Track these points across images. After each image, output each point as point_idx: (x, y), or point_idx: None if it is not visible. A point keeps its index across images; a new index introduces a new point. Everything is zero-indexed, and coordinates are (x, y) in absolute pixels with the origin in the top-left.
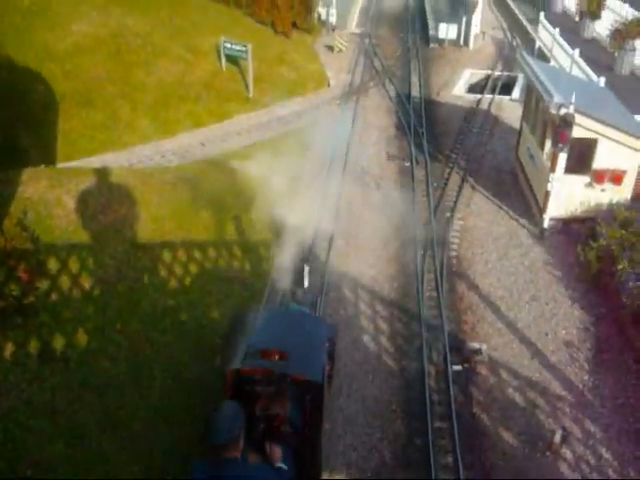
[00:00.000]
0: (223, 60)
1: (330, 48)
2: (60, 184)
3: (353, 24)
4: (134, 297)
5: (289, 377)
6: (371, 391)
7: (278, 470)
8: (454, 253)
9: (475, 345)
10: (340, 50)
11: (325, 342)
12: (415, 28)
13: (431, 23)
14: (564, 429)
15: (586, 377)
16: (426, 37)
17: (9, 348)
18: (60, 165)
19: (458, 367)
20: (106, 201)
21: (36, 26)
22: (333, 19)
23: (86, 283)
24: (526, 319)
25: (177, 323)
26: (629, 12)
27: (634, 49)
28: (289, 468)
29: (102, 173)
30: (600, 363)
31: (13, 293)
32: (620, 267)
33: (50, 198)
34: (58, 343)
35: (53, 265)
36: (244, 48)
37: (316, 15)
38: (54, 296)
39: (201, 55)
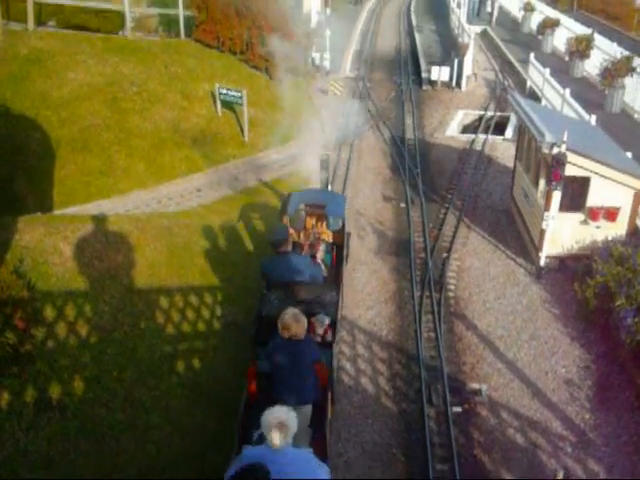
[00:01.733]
0: (218, 106)
1: (324, 92)
2: (57, 231)
3: (347, 68)
4: (130, 344)
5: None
6: (370, 435)
7: (316, 263)
8: (452, 294)
9: (475, 386)
10: (334, 94)
11: (344, 205)
12: (408, 71)
13: (423, 66)
14: (566, 469)
15: (587, 416)
16: (419, 79)
17: (5, 397)
18: (57, 212)
19: (458, 408)
20: (102, 247)
21: (33, 75)
22: (327, 63)
23: (82, 330)
24: (525, 358)
25: (174, 370)
26: (617, 51)
27: (623, 87)
28: (322, 276)
29: (98, 219)
30: (601, 401)
31: (9, 342)
32: (618, 304)
33: (47, 245)
34: (54, 392)
35: (49, 313)
36: (239, 94)
37: (310, 60)
38: (50, 344)
39: (196, 101)
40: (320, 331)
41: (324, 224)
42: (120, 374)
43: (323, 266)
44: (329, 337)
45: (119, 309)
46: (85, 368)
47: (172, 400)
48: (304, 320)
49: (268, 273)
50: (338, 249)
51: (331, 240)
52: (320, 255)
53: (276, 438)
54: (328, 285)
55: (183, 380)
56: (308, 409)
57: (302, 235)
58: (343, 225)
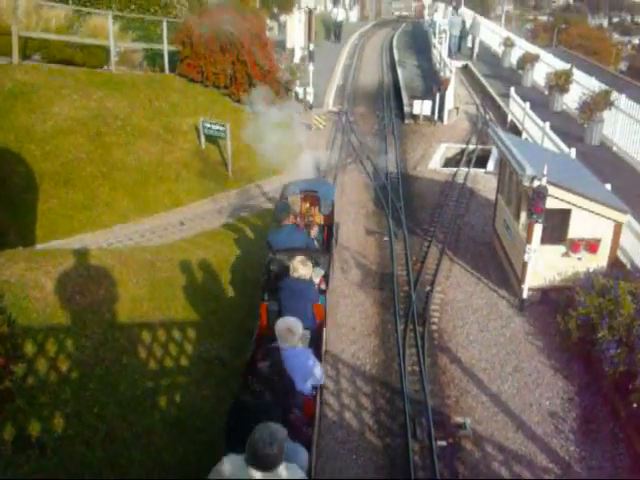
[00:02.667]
0: (202, 139)
1: (308, 126)
2: (38, 266)
3: (330, 102)
4: (112, 380)
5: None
6: (355, 470)
7: (311, 239)
8: (435, 327)
9: (459, 419)
10: (318, 128)
11: (333, 192)
12: (390, 105)
13: (405, 100)
14: None
15: (572, 448)
16: (401, 114)
17: None
18: (39, 246)
19: (443, 442)
20: (84, 282)
21: (17, 108)
22: (310, 98)
23: (63, 366)
24: (509, 391)
25: (156, 406)
26: (596, 85)
27: (602, 120)
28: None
29: (80, 254)
30: (586, 433)
31: None
32: (600, 335)
33: (28, 280)
34: (34, 429)
35: (30, 348)
36: (223, 128)
37: (293, 94)
38: (30, 380)
39: (180, 135)
40: (316, 280)
41: (316, 208)
42: (101, 410)
43: (316, 242)
44: (323, 286)
45: (101, 344)
46: (65, 404)
47: (154, 436)
48: (310, 265)
49: (273, 241)
50: (328, 229)
51: (322, 222)
52: (313, 233)
53: (285, 339)
54: (321, 251)
55: (165, 416)
56: (307, 334)
57: (298, 218)
58: (332, 209)
